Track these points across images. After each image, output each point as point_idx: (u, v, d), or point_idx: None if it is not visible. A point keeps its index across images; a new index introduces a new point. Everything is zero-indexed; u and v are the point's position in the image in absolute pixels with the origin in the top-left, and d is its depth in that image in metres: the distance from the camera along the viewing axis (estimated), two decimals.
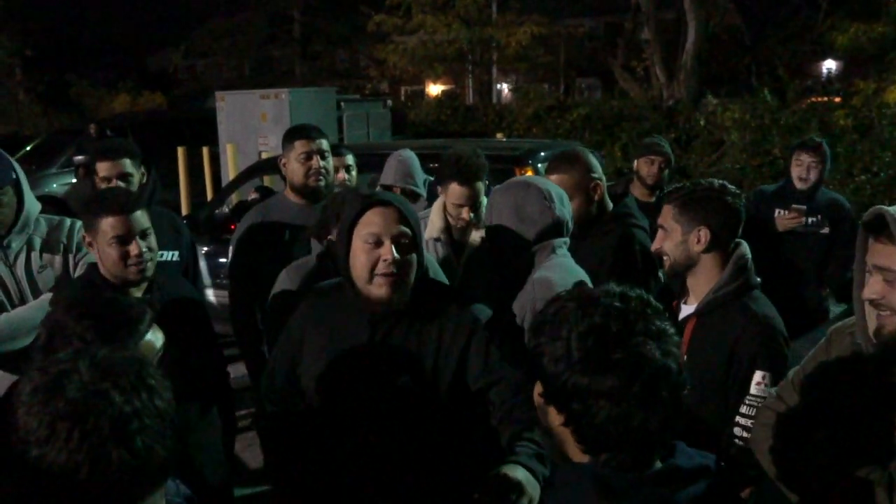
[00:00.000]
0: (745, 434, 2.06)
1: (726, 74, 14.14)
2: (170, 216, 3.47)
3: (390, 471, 2.02)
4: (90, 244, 2.44)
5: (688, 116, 11.57)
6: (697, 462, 1.29)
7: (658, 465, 1.27)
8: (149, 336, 1.72)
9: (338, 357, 2.03)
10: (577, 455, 1.28)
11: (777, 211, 4.33)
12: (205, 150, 9.73)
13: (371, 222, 1.95)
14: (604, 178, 2.94)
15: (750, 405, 2.07)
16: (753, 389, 2.07)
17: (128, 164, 3.22)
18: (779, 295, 4.00)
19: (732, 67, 14.93)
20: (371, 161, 4.73)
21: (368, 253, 1.94)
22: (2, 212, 2.63)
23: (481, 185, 3.04)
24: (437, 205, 3.15)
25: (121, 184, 3.02)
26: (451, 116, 15.94)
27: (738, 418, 2.08)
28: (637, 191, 4.40)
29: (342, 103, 11.15)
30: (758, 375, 2.07)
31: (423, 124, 15.46)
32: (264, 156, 8.78)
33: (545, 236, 2.30)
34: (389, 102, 12.68)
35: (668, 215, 2.29)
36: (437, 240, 3.10)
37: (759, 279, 2.25)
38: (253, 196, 6.10)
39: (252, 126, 9.70)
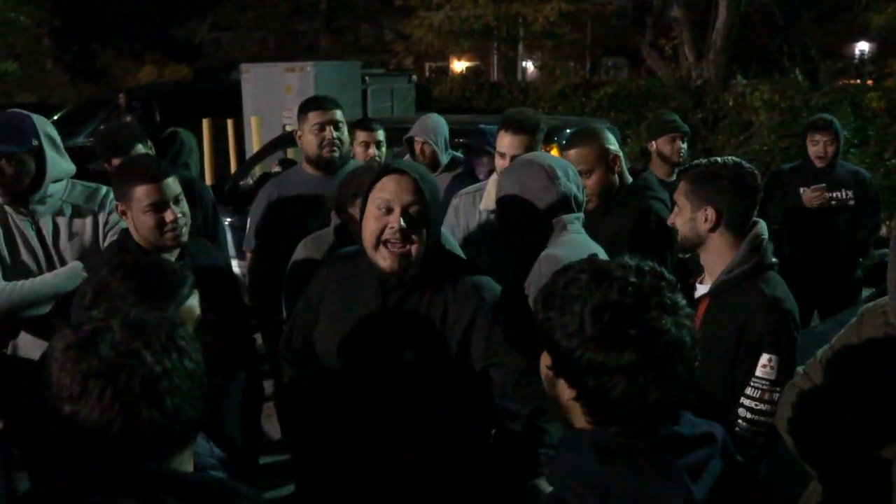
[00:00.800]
0: (748, 415, 2.08)
1: (757, 54, 13.86)
2: (188, 180, 3.50)
3: (394, 439, 2.06)
4: (123, 213, 2.46)
5: (716, 96, 11.40)
6: (701, 430, 1.29)
7: (661, 432, 1.26)
8: (190, 301, 1.75)
9: (350, 323, 2.07)
10: (582, 424, 1.28)
11: (801, 189, 4.44)
12: (229, 123, 9.76)
13: (385, 188, 1.98)
14: (621, 152, 2.98)
15: (755, 387, 2.08)
16: (759, 372, 2.08)
17: (140, 150, 3.29)
18: (812, 270, 4.02)
19: (763, 47, 14.64)
20: (395, 135, 4.72)
21: (378, 220, 1.96)
22: (10, 177, 2.63)
23: (529, 140, 3.03)
24: (494, 177, 3.16)
25: None
26: (476, 93, 15.84)
27: (742, 399, 2.09)
28: (658, 170, 4.32)
29: (367, 77, 11.11)
30: (764, 358, 2.07)
31: (448, 100, 15.37)
32: (288, 129, 8.79)
33: (551, 212, 2.27)
34: (414, 77, 12.61)
35: (680, 191, 2.30)
36: (491, 211, 3.11)
37: (775, 259, 2.23)
38: (276, 168, 6.14)
39: (277, 99, 9.71)
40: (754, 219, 2.25)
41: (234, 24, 29.09)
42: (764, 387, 2.07)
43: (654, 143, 4.40)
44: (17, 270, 2.66)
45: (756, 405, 2.07)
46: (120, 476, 1.11)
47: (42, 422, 1.13)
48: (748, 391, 2.09)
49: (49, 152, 2.72)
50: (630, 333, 1.18)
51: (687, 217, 2.26)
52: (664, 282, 1.25)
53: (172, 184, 2.45)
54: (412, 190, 1.97)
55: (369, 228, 1.99)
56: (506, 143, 3.03)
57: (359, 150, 4.03)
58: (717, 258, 2.24)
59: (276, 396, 2.34)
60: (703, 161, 2.30)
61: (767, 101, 9.77)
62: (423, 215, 1.98)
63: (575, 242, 2.25)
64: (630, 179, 2.98)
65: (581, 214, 2.36)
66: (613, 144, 2.92)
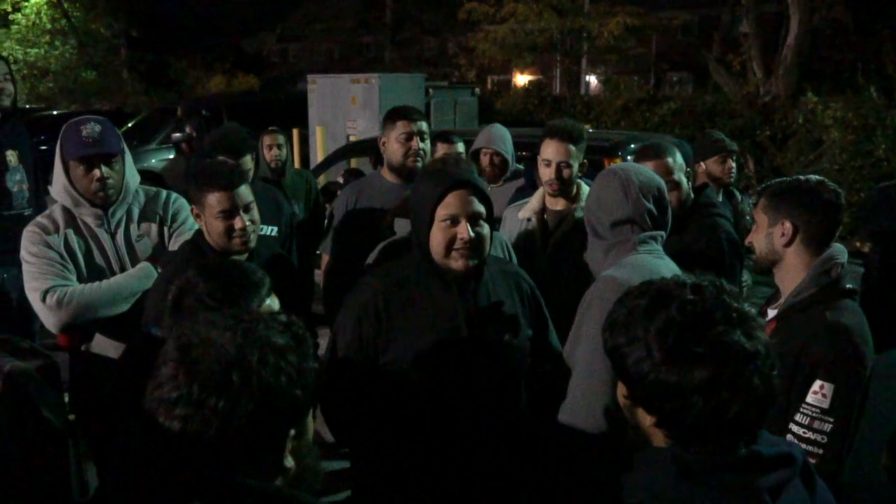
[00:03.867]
0: (795, 443, 1.96)
1: (829, 71, 13.49)
2: (272, 191, 3.61)
3: (488, 425, 2.17)
4: (197, 216, 2.55)
5: (785, 113, 11.13)
6: (780, 450, 1.25)
7: (741, 451, 1.23)
8: (268, 301, 1.80)
9: (435, 327, 2.14)
10: (662, 443, 1.26)
11: None
12: (295, 132, 9.95)
13: (450, 204, 2.10)
14: (682, 177, 2.99)
15: (804, 413, 1.97)
16: (810, 398, 1.97)
17: (248, 161, 3.46)
18: None
19: (836, 64, 14.24)
20: None
21: (445, 231, 2.09)
22: (115, 179, 2.75)
23: (573, 150, 3.05)
24: (540, 190, 3.20)
25: None
26: (538, 106, 15.82)
27: (791, 425, 2.00)
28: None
29: (430, 90, 11.20)
30: (816, 384, 1.97)
31: (510, 113, 15.38)
32: (352, 139, 8.91)
33: (620, 226, 2.23)
34: (477, 90, 12.64)
35: (759, 207, 2.23)
36: (528, 220, 3.16)
37: (851, 286, 2.10)
38: (340, 178, 6.24)
39: (342, 109, 9.85)
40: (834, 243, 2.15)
41: (301, 35, 29.77)
42: (814, 414, 1.96)
43: (702, 164, 4.18)
44: (91, 273, 2.76)
45: (804, 433, 1.96)
46: (191, 481, 1.13)
47: (117, 418, 1.17)
48: (797, 417, 1.99)
49: (127, 156, 2.83)
50: (698, 351, 1.17)
51: (764, 232, 2.20)
52: (726, 294, 1.23)
53: (244, 192, 2.53)
54: (474, 199, 2.12)
55: (438, 240, 2.11)
56: (551, 150, 3.06)
57: None
58: (790, 278, 2.15)
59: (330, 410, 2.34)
60: (785, 178, 2.24)
61: (840, 118, 9.49)
62: (485, 220, 2.14)
63: (638, 264, 2.18)
64: (692, 197, 2.99)
65: (660, 233, 2.30)
66: (676, 170, 2.97)
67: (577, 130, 3.12)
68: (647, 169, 2.41)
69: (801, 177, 2.19)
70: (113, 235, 2.80)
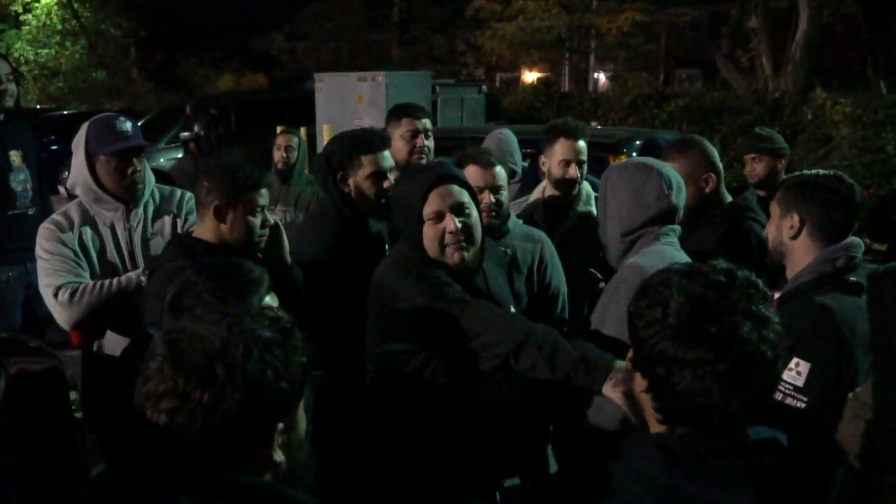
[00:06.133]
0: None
1: (839, 67, 13.41)
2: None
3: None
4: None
5: (794, 109, 11.08)
6: (765, 435, 1.26)
7: (726, 437, 1.24)
8: (267, 299, 1.79)
9: None
10: (655, 425, 1.28)
11: None
12: (302, 130, 9.96)
13: (433, 200, 2.14)
14: (719, 171, 2.87)
15: (778, 391, 1.95)
16: (785, 375, 1.95)
17: (388, 156, 3.45)
18: None
19: (846, 60, 14.13)
20: (464, 145, 4.73)
21: (434, 227, 2.13)
22: (142, 173, 2.77)
23: (584, 147, 3.14)
24: (540, 187, 3.24)
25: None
26: (546, 103, 15.79)
27: None
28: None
29: (437, 87, 11.20)
30: (792, 362, 1.95)
31: (518, 110, 15.38)
32: None
33: (655, 222, 2.24)
34: (484, 88, 12.63)
35: (775, 199, 2.24)
36: (531, 217, 3.18)
37: (855, 279, 2.06)
38: None
39: (348, 107, 9.87)
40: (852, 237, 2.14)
41: (309, 34, 29.81)
42: (786, 390, 1.95)
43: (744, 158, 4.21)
44: (104, 270, 2.76)
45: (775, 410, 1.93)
46: (179, 476, 1.14)
47: (121, 414, 1.17)
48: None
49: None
50: (708, 331, 1.18)
51: (774, 224, 2.21)
52: (756, 291, 1.24)
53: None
54: (458, 191, 2.16)
55: (429, 238, 2.15)
56: (569, 149, 3.12)
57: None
58: (797, 270, 2.15)
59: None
60: (805, 172, 2.25)
61: (849, 114, 9.44)
62: (471, 208, 2.18)
63: (660, 253, 2.19)
64: (728, 197, 2.90)
65: (677, 228, 2.32)
66: (711, 164, 2.85)
67: (584, 127, 3.22)
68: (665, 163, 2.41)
69: (821, 171, 2.19)
70: (130, 232, 2.81)
